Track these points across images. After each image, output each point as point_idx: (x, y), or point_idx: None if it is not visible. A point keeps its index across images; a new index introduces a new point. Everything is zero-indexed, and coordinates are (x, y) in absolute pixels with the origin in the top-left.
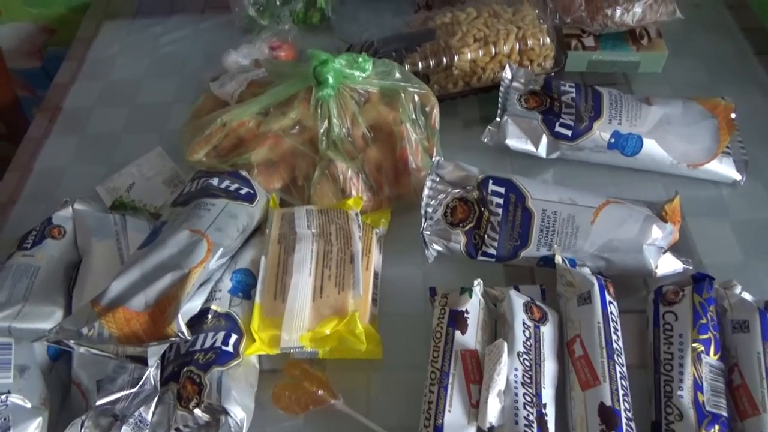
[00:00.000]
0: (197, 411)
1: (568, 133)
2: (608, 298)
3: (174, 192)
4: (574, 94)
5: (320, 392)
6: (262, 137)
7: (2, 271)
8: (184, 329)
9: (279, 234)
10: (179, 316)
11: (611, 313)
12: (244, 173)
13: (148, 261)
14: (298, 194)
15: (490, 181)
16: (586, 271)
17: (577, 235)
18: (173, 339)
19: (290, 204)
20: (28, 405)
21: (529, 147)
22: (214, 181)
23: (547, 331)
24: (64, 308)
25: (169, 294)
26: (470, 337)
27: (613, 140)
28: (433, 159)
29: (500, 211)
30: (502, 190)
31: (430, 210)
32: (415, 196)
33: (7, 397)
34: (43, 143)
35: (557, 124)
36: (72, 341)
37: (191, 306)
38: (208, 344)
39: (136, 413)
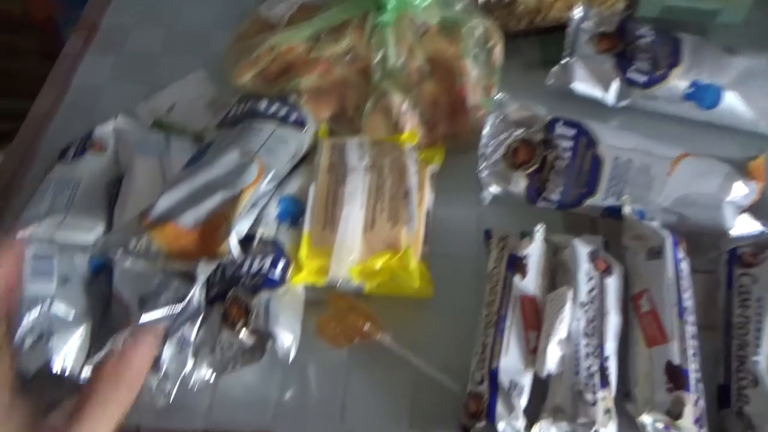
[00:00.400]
0: (243, 334)
1: (643, 79)
2: (680, 254)
3: (216, 116)
4: (651, 38)
5: (367, 326)
6: (312, 64)
7: (43, 183)
8: (236, 249)
9: (329, 163)
10: (233, 234)
11: (682, 270)
12: (292, 99)
13: (197, 179)
14: (348, 125)
15: (560, 122)
16: (655, 224)
17: (650, 187)
18: (224, 258)
19: (339, 134)
20: (71, 315)
21: (596, 92)
22: (262, 105)
23: (612, 283)
24: (105, 223)
25: (220, 213)
26: (529, 283)
27: (691, 90)
28: (497, 96)
29: (568, 155)
30: (571, 132)
31: (489, 150)
32: (470, 135)
33: (50, 305)
34: (79, 61)
35: (631, 69)
36: (119, 254)
37: (239, 229)
38: (255, 269)
39: (179, 332)
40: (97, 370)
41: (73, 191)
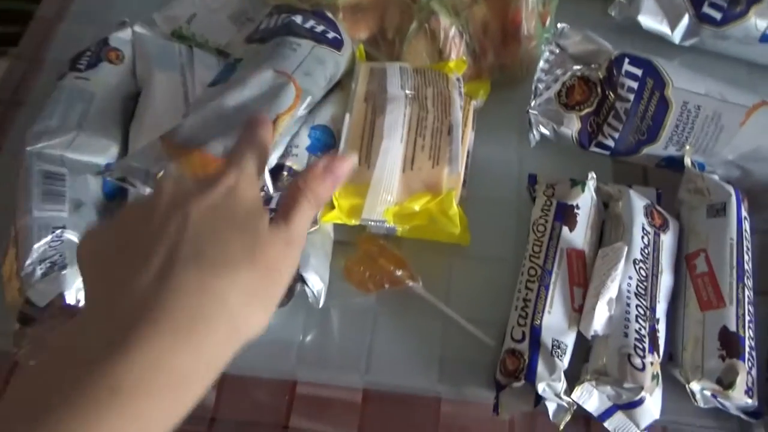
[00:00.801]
0: None
1: (718, 15)
2: (743, 213)
3: (241, 30)
4: None
5: (399, 272)
6: None
7: (55, 91)
8: (270, 183)
9: (366, 91)
10: (266, 169)
11: (745, 230)
12: (330, 15)
13: (227, 100)
14: (387, 49)
15: (626, 60)
16: (715, 177)
17: (718, 137)
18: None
19: (376, 58)
20: None
21: (663, 28)
22: (298, 19)
23: (667, 240)
24: (120, 143)
25: None
26: (578, 236)
27: None
28: (558, 26)
29: (631, 97)
30: (638, 72)
31: (542, 86)
32: (520, 68)
33: (62, 232)
34: None
35: (706, 3)
36: (138, 181)
37: (270, 160)
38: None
39: None
40: (301, 178)
41: (87, 105)
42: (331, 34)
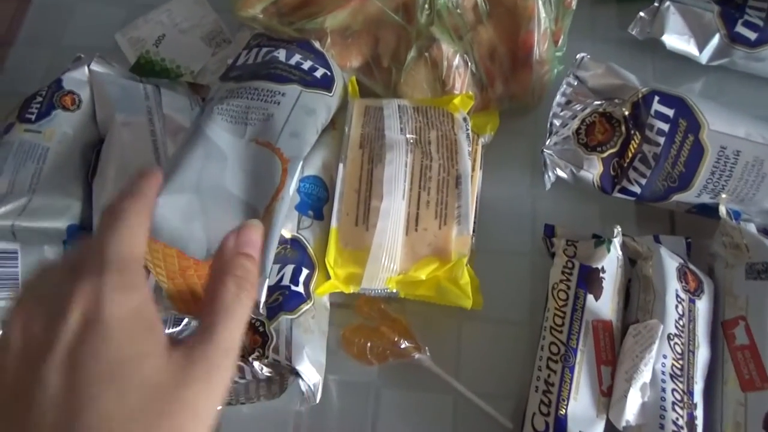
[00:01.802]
0: (257, 364)
1: (752, 36)
2: None
3: (216, 53)
4: None
5: (403, 343)
6: None
7: (0, 149)
8: (262, 302)
9: (362, 135)
10: (261, 279)
11: None
12: (317, 45)
13: (205, 179)
14: (382, 77)
15: (656, 98)
16: (753, 228)
17: (760, 186)
18: None
19: (369, 90)
20: None
21: (690, 49)
22: (280, 54)
23: (703, 307)
24: (81, 201)
25: None
26: (604, 304)
27: None
28: (578, 56)
29: (661, 140)
30: (670, 112)
31: (558, 122)
32: (531, 96)
33: None
34: None
35: (739, 22)
36: None
37: (266, 271)
38: (272, 281)
39: None
40: (220, 268)
41: (40, 163)
42: (319, 72)
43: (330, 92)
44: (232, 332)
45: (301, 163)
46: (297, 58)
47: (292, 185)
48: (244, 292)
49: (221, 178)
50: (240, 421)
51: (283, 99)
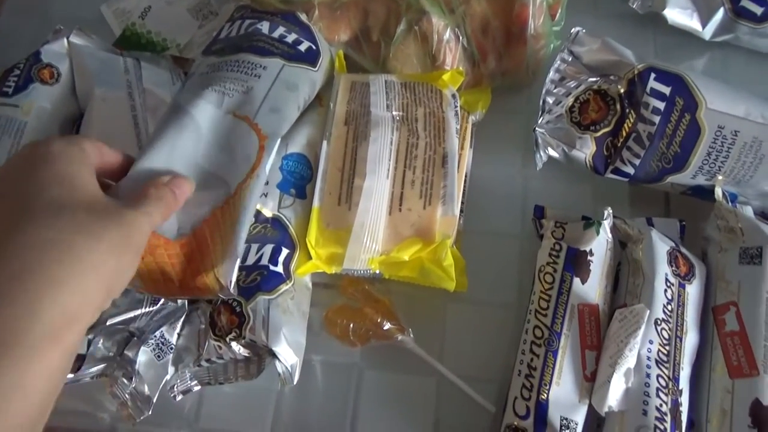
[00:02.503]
0: (235, 345)
1: (758, 10)
2: None
3: (203, 26)
4: None
5: (386, 324)
6: None
7: None
8: (232, 283)
9: (347, 111)
10: (231, 259)
11: None
12: (302, 17)
13: (177, 153)
14: (371, 51)
15: (653, 75)
16: (749, 212)
17: (758, 167)
18: (215, 295)
19: (357, 64)
20: None
21: (693, 24)
22: (263, 27)
23: (693, 292)
24: None
25: (210, 220)
26: (591, 288)
27: None
28: (572, 30)
29: (657, 119)
30: (666, 90)
31: (551, 100)
32: (525, 72)
33: None
34: None
35: None
36: None
37: (239, 248)
38: (251, 261)
39: (158, 333)
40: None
41: (17, 138)
42: (304, 45)
43: (315, 67)
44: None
45: (279, 140)
46: (281, 30)
47: (268, 163)
48: (163, 201)
49: (195, 151)
50: (222, 400)
51: (263, 72)
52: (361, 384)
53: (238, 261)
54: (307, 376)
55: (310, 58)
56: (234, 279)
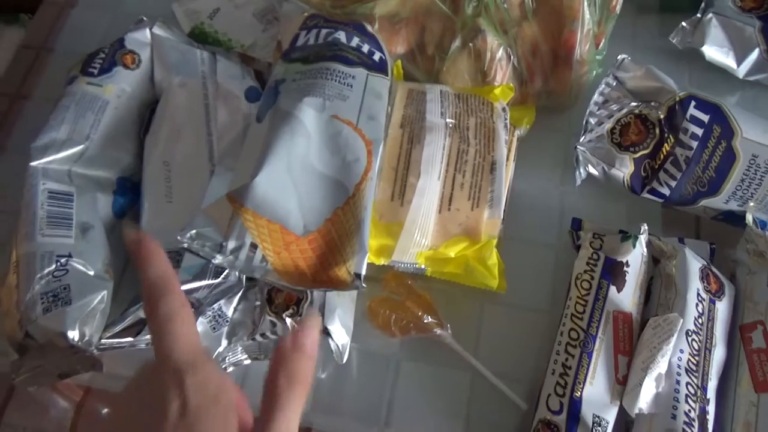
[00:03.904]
0: (290, 321)
1: None
2: None
3: (266, 30)
4: None
5: (426, 318)
6: None
7: (64, 98)
8: (363, 273)
9: (403, 116)
10: (361, 254)
11: None
12: (370, 29)
13: (294, 158)
14: (425, 65)
15: (693, 103)
16: None
17: None
18: (346, 286)
19: (411, 76)
20: (91, 272)
21: (728, 61)
22: (341, 36)
23: (722, 309)
24: (133, 156)
25: (333, 219)
26: (626, 297)
27: None
28: (618, 57)
29: (695, 144)
30: (705, 117)
31: (594, 121)
32: (569, 95)
33: (67, 260)
34: None
35: None
36: (212, 253)
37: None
38: None
39: (216, 305)
40: (275, 365)
41: (99, 115)
42: (377, 55)
43: (387, 76)
44: (288, 423)
45: (381, 146)
46: (356, 40)
47: (376, 167)
48: (296, 385)
49: (307, 155)
50: (258, 388)
51: (354, 82)
52: (398, 374)
53: (367, 255)
54: (347, 362)
55: (383, 68)
56: (363, 272)
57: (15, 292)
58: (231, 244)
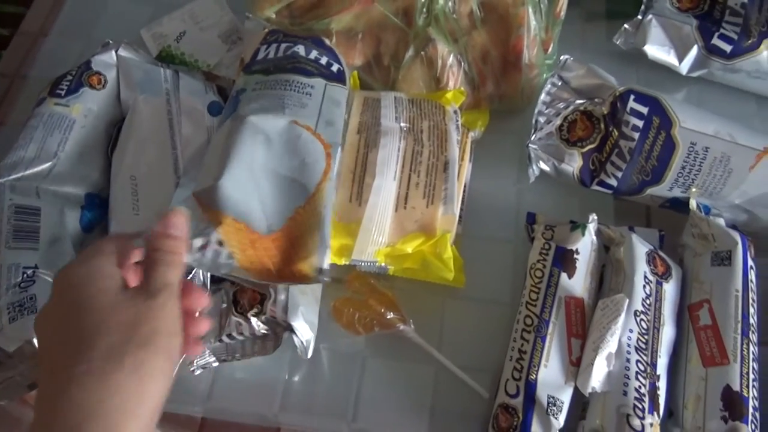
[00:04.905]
0: (255, 321)
1: (727, 48)
2: (749, 262)
3: (231, 49)
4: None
5: (389, 314)
6: (348, 0)
7: (32, 118)
8: (324, 269)
9: (359, 122)
10: (322, 248)
11: (751, 281)
12: (328, 42)
13: (256, 163)
14: (381, 76)
15: (632, 97)
16: (721, 222)
17: (726, 181)
18: (314, 281)
19: (369, 85)
20: None
21: (670, 59)
22: (300, 50)
23: (669, 290)
24: (100, 172)
25: (295, 217)
26: (577, 283)
27: None
28: (561, 58)
29: (636, 135)
30: (644, 110)
31: (542, 120)
32: (520, 98)
33: (34, 272)
34: None
35: (716, 35)
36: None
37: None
38: None
39: None
40: (151, 246)
41: (66, 134)
42: (335, 67)
43: (345, 86)
44: (162, 283)
45: (339, 150)
46: (315, 53)
47: (335, 169)
48: (170, 254)
49: (268, 158)
50: (234, 383)
51: (312, 91)
52: (365, 370)
53: (328, 250)
54: (315, 361)
55: (341, 78)
56: (326, 265)
57: None
58: (197, 242)
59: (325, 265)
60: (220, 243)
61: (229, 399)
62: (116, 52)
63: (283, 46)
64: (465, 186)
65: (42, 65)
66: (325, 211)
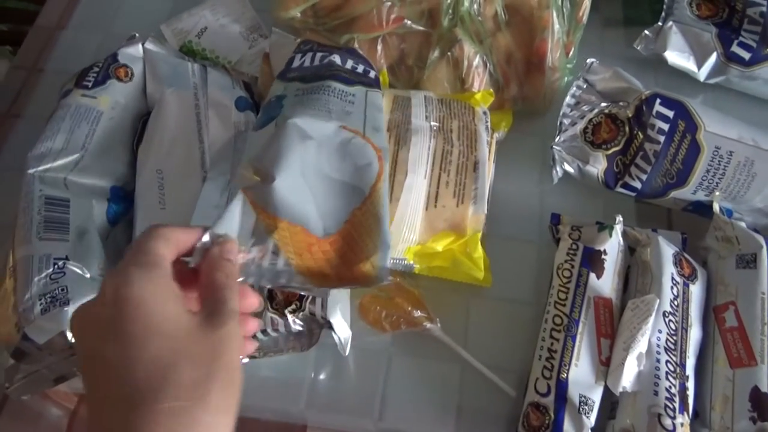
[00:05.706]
0: (291, 317)
1: (746, 56)
2: None
3: (252, 46)
4: (765, 8)
5: (416, 313)
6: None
7: (58, 110)
8: (387, 266)
9: (389, 120)
10: (383, 248)
11: None
12: (359, 50)
13: (307, 167)
14: (405, 76)
15: (658, 101)
16: (743, 225)
17: (750, 185)
18: (371, 281)
19: (393, 86)
20: (87, 275)
21: (689, 65)
22: (336, 59)
23: (696, 291)
24: (126, 165)
25: (352, 220)
26: (605, 283)
27: None
28: (587, 61)
29: (662, 138)
30: (670, 113)
31: (567, 122)
32: (543, 100)
33: (64, 263)
34: None
35: (735, 42)
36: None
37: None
38: None
39: None
40: (210, 268)
41: (93, 126)
42: (372, 74)
43: (381, 91)
44: (235, 304)
45: (388, 156)
46: (351, 63)
47: (386, 171)
48: (232, 280)
49: (318, 162)
50: (261, 381)
51: (354, 99)
52: (391, 368)
53: (389, 250)
54: (341, 359)
55: (377, 83)
56: (389, 263)
57: (12, 296)
58: (255, 252)
59: (388, 264)
60: (276, 249)
61: (254, 396)
62: (143, 45)
63: (319, 54)
64: (490, 188)
65: (59, 58)
66: (383, 211)
